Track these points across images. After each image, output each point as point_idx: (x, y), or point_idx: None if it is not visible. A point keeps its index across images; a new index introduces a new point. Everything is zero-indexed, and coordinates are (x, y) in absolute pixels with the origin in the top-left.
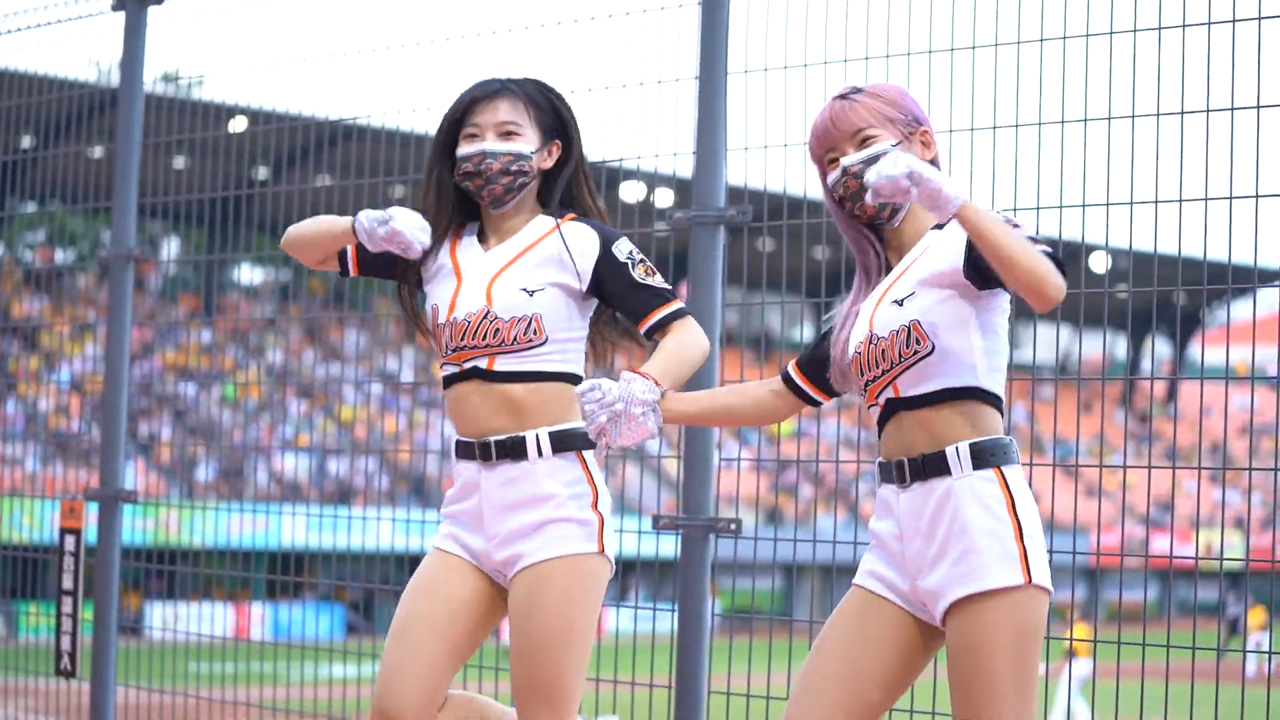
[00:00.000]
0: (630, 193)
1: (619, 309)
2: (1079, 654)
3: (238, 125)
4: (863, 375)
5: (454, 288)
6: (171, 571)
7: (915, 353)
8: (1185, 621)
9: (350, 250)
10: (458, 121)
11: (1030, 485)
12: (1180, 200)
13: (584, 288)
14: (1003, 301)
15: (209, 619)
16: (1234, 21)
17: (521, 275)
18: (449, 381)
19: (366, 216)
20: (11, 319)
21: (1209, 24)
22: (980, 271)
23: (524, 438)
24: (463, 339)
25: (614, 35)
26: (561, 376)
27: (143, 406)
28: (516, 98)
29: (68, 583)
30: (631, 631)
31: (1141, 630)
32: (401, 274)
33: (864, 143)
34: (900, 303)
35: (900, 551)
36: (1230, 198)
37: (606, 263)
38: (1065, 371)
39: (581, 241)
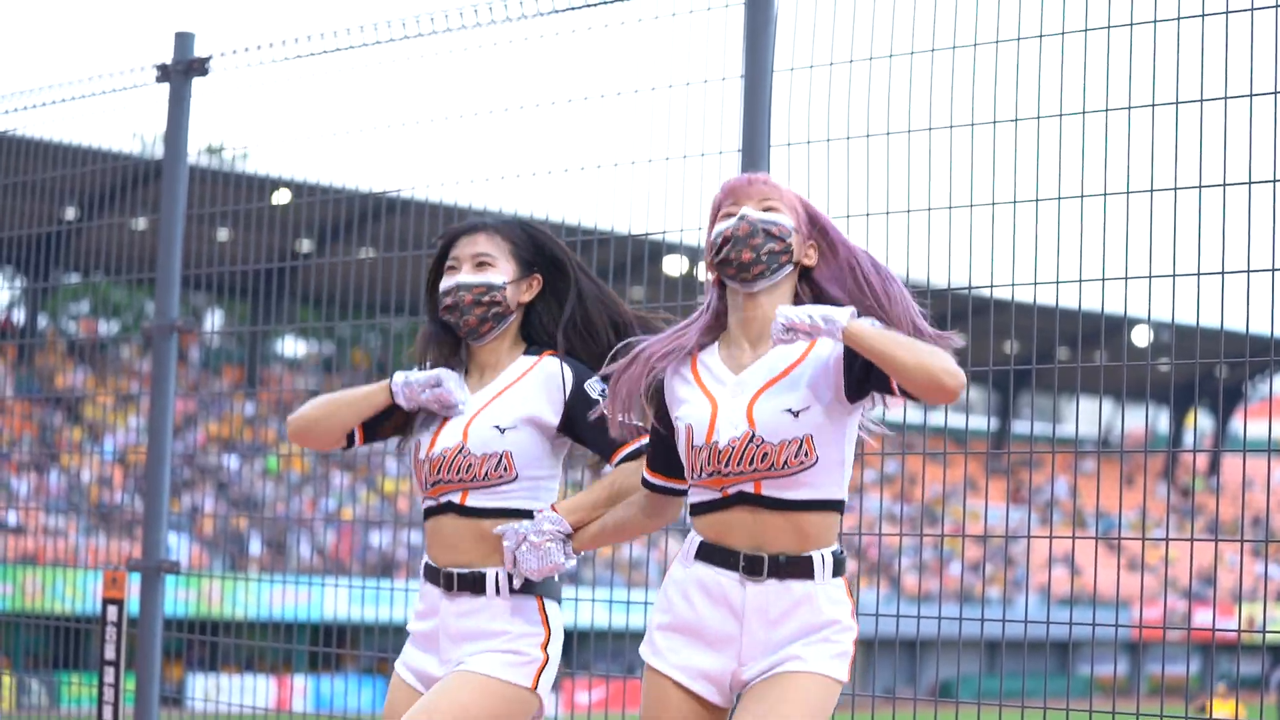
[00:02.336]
0: (673, 266)
1: (589, 446)
2: None
3: (281, 197)
4: (717, 464)
5: (437, 426)
6: (214, 643)
7: (801, 464)
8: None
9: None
10: (441, 258)
11: (1074, 558)
12: (1223, 273)
13: (557, 423)
14: (859, 412)
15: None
16: (1277, 94)
17: (496, 413)
18: (427, 514)
19: (413, 380)
20: (55, 390)
21: (1250, 96)
22: (860, 387)
23: (484, 574)
24: (438, 473)
25: (657, 108)
26: (528, 515)
27: (186, 478)
28: (493, 232)
29: (110, 653)
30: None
31: (1184, 705)
32: (412, 428)
33: (767, 210)
34: (795, 414)
35: (734, 637)
36: (1274, 270)
37: (578, 398)
38: (1108, 445)
39: (555, 378)
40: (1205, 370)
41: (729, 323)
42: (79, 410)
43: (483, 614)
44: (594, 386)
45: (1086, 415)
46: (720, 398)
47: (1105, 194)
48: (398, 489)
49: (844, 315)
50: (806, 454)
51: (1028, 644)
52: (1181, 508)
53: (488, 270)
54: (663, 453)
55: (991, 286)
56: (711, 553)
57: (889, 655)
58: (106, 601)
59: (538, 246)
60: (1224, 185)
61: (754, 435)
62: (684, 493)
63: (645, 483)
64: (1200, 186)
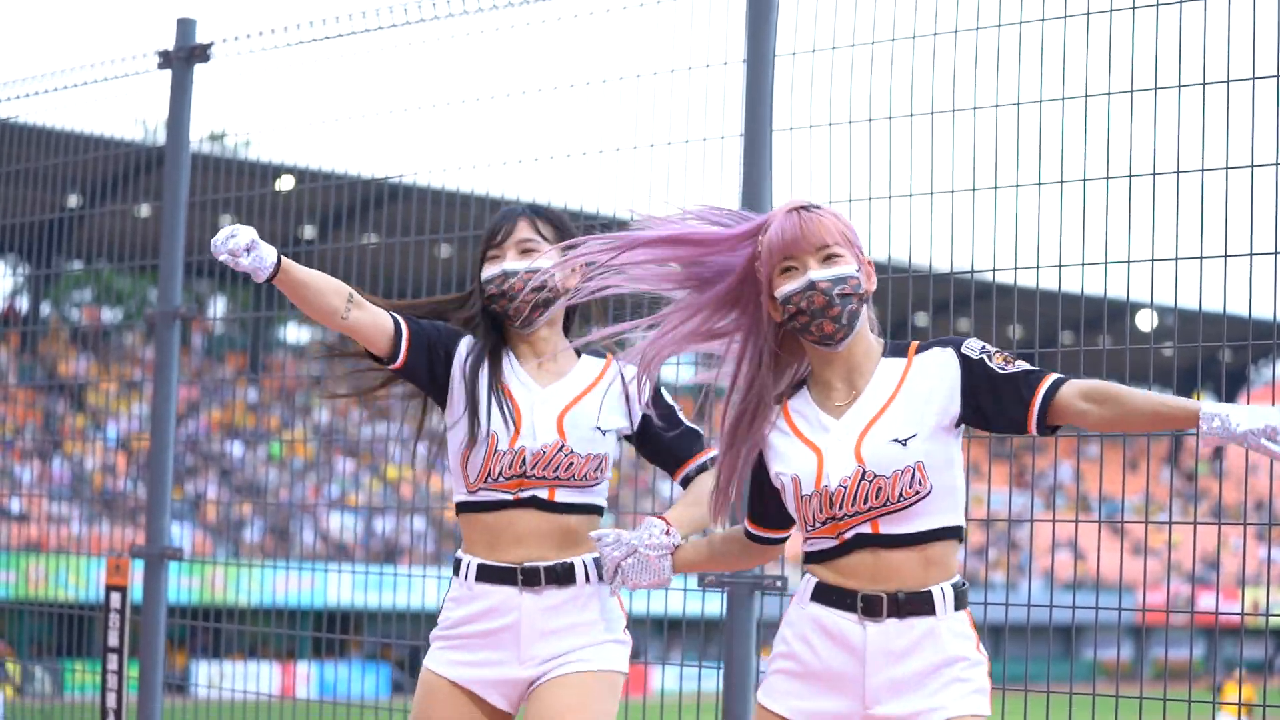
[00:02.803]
0: None
1: (657, 450)
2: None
3: (284, 184)
4: (830, 509)
5: (515, 417)
6: (217, 630)
7: (916, 493)
8: (1229, 677)
9: (405, 336)
10: (484, 249)
11: (1077, 543)
12: (1225, 256)
13: (634, 430)
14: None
15: (255, 677)
16: (1279, 76)
17: (593, 413)
18: (488, 507)
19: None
20: (58, 377)
21: (1253, 79)
22: (984, 414)
23: (573, 564)
24: (527, 468)
25: (660, 94)
26: (600, 509)
27: (189, 465)
28: (536, 217)
29: (113, 640)
30: (677, 690)
31: (1188, 687)
32: (436, 389)
33: (828, 259)
34: (903, 442)
35: (857, 679)
36: (1277, 253)
37: (658, 407)
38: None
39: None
40: (1209, 354)
41: (814, 368)
42: (82, 397)
43: (573, 605)
44: (667, 394)
45: None
46: (824, 445)
47: (1109, 177)
48: (400, 475)
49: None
50: (921, 482)
51: (1031, 628)
52: (1185, 492)
53: (534, 256)
54: (760, 505)
55: (994, 270)
56: (828, 593)
57: None
58: (110, 588)
59: (571, 231)
60: (1227, 168)
61: (864, 472)
62: (785, 539)
63: (747, 534)
64: (1203, 170)
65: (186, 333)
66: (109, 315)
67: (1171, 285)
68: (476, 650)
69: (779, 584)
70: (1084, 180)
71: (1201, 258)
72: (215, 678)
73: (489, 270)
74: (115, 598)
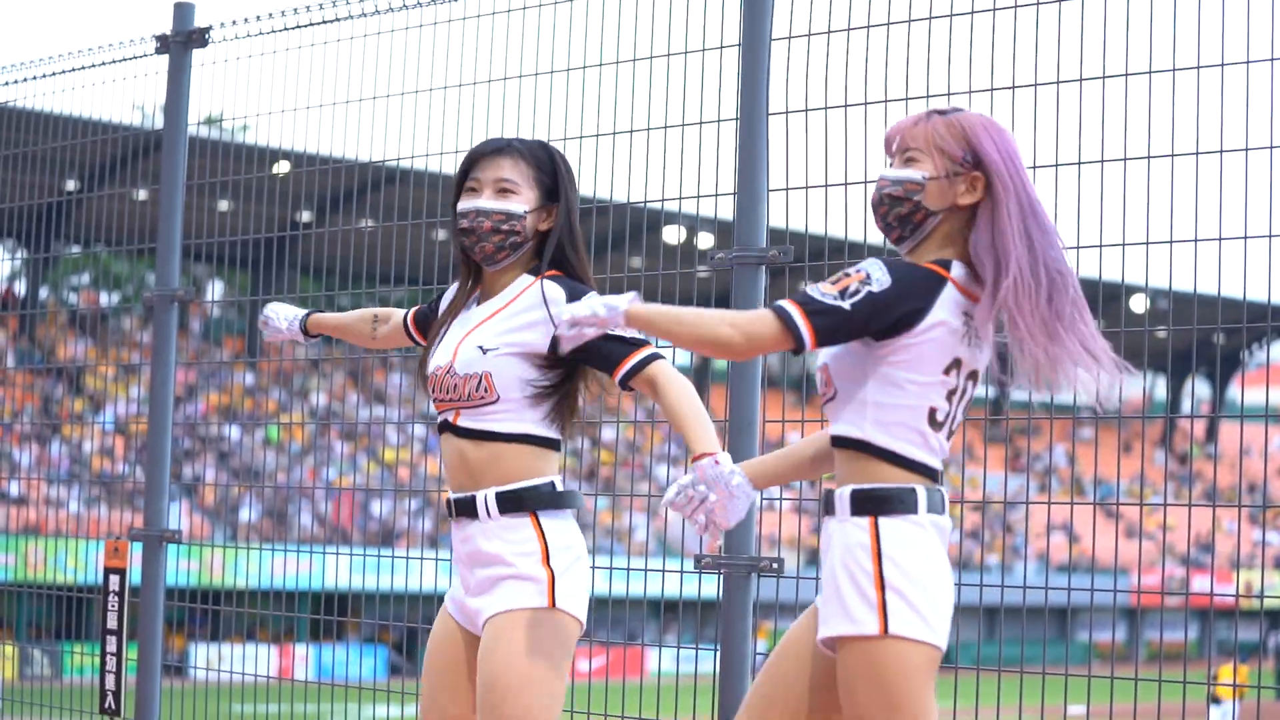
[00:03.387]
0: (672, 235)
1: (589, 362)
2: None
3: (281, 168)
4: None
5: (438, 343)
6: (216, 612)
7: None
8: (1225, 661)
9: (410, 320)
10: (463, 176)
11: (1072, 525)
12: (1220, 239)
13: (545, 347)
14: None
15: (253, 659)
16: (1273, 60)
17: (484, 333)
18: (439, 430)
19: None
20: (56, 361)
21: (1248, 62)
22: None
23: (474, 497)
24: (434, 391)
25: (655, 77)
26: (517, 438)
27: (187, 448)
28: (519, 156)
29: (112, 622)
30: (674, 672)
31: (1183, 669)
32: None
33: (907, 161)
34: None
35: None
36: (1270, 236)
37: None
38: (1105, 412)
39: (555, 295)
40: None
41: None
42: (80, 381)
43: (479, 538)
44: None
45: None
46: None
47: (1102, 160)
48: (398, 458)
49: (624, 301)
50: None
51: (1026, 610)
52: (1179, 474)
53: (510, 198)
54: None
55: None
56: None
57: None
58: (108, 571)
59: (557, 173)
60: (1221, 151)
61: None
62: None
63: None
64: (1197, 153)
65: (184, 316)
66: (107, 299)
67: (1166, 268)
68: (457, 574)
69: (775, 566)
70: (1078, 163)
71: (1196, 240)
72: (213, 660)
73: (463, 203)
74: (114, 580)
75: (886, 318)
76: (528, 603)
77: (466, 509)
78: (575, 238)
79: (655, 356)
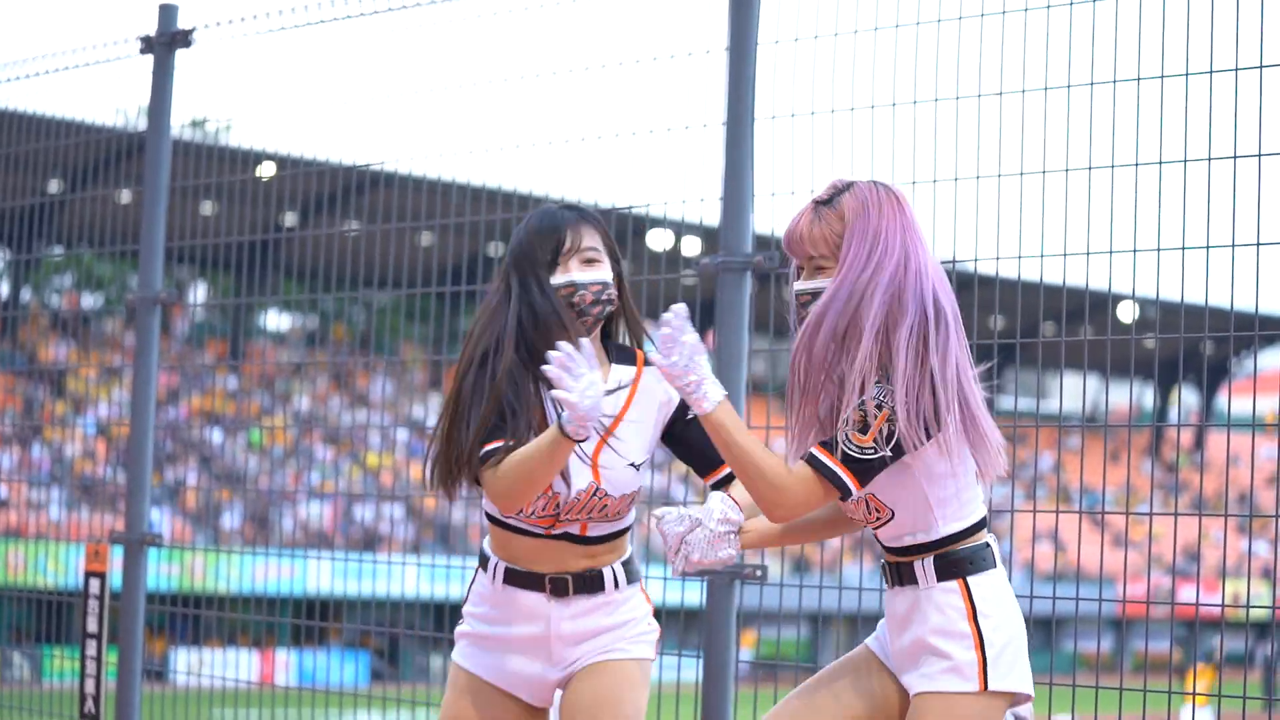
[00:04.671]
0: (657, 240)
1: (683, 454)
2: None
3: (266, 171)
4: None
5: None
6: (197, 617)
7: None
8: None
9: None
10: (555, 251)
11: (1058, 534)
12: (1207, 247)
13: (661, 435)
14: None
15: (234, 665)
16: (1261, 68)
17: (628, 446)
18: (519, 532)
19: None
20: (38, 363)
21: (1236, 70)
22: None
23: (601, 572)
24: (561, 512)
25: (641, 81)
26: (629, 528)
27: (169, 452)
28: (594, 224)
29: (92, 626)
30: (657, 679)
31: (1167, 679)
32: None
33: (816, 270)
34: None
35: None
36: (1258, 244)
37: (686, 409)
38: (1092, 420)
39: (663, 390)
40: (1190, 346)
41: None
42: (62, 384)
43: (601, 611)
44: None
45: (1071, 390)
46: None
47: (1090, 168)
48: (381, 463)
49: (716, 399)
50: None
51: None
52: (1166, 484)
53: (597, 267)
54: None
55: (976, 261)
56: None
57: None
58: (89, 575)
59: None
60: (1209, 160)
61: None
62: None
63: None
64: (1185, 161)
65: (167, 319)
66: (89, 301)
67: (1154, 276)
68: (506, 653)
69: (758, 573)
70: (1066, 170)
71: (1184, 249)
72: (194, 665)
73: (560, 278)
74: (94, 584)
75: (920, 439)
76: (648, 654)
77: (590, 584)
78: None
79: None
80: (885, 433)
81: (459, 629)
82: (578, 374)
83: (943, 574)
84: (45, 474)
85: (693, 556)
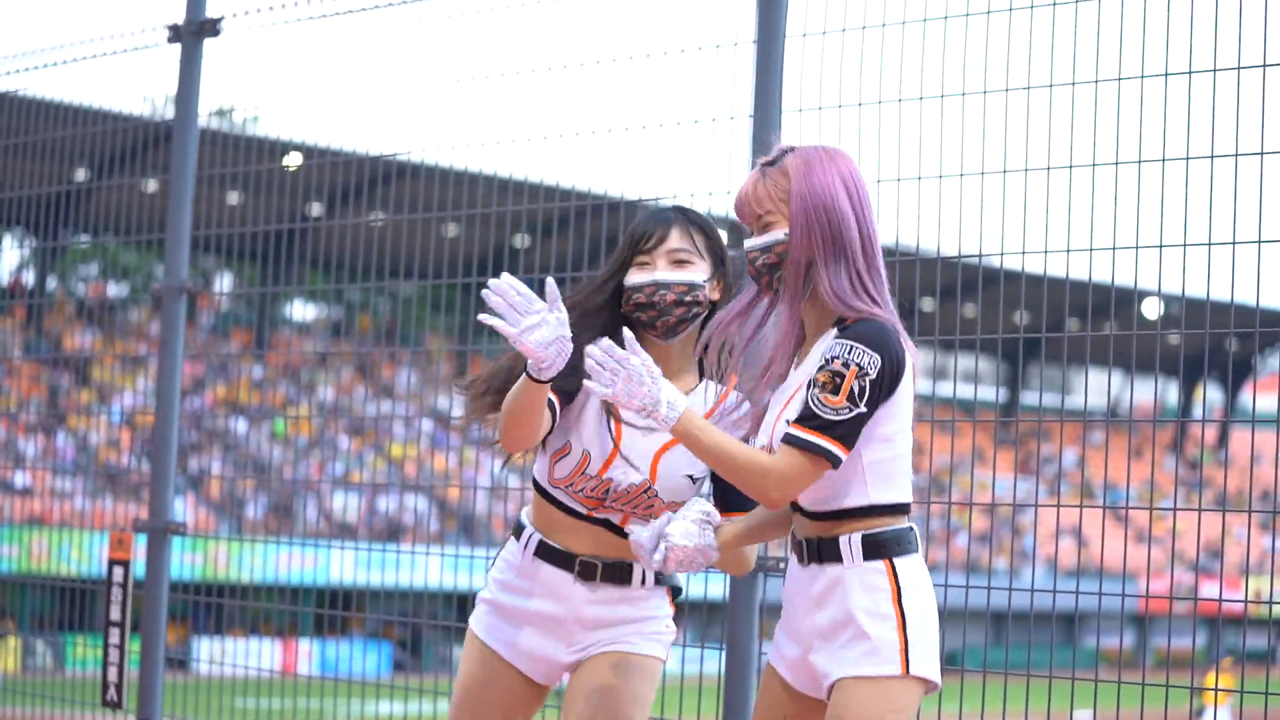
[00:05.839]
0: None
1: (727, 497)
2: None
3: (292, 160)
4: None
5: (612, 445)
6: (220, 606)
7: None
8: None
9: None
10: (633, 251)
11: (1081, 529)
12: (1234, 243)
13: None
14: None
15: (256, 654)
16: None
17: (689, 457)
18: (561, 506)
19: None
20: (63, 352)
21: (1264, 66)
22: None
23: (631, 565)
24: (608, 499)
25: (668, 73)
26: None
27: (193, 441)
28: (689, 225)
29: (115, 614)
30: (679, 672)
31: (1190, 676)
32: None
33: (765, 227)
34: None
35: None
36: None
37: None
38: (1116, 416)
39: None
40: (1215, 342)
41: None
42: (87, 372)
43: (625, 604)
44: None
45: (1095, 386)
46: None
47: (1117, 163)
48: (405, 454)
49: (675, 415)
50: None
51: (1034, 615)
52: (1189, 480)
53: (688, 268)
54: None
55: (1001, 255)
56: None
57: None
58: (112, 563)
59: (720, 239)
60: (1236, 155)
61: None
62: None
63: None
64: (1212, 156)
65: (192, 308)
66: (115, 290)
67: (1179, 272)
68: (521, 626)
69: (781, 565)
70: (1093, 165)
71: (1209, 245)
72: (216, 653)
73: (637, 277)
74: (118, 572)
75: (887, 392)
76: (659, 654)
77: (618, 576)
78: None
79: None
80: (857, 389)
81: (480, 594)
82: (527, 310)
83: (869, 553)
84: (70, 462)
85: (673, 541)
